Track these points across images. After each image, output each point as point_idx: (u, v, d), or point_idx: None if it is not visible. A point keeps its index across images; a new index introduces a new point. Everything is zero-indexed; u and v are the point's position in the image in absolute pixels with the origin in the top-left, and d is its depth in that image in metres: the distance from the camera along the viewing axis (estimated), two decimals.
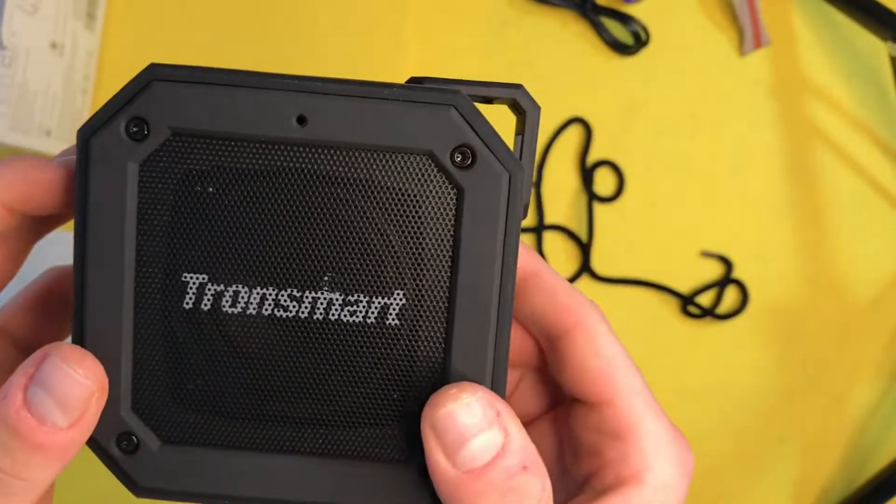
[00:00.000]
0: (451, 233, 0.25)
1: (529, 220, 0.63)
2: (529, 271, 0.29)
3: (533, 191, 0.63)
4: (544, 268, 0.29)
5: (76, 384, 0.24)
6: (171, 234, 0.25)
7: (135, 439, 0.26)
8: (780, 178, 0.64)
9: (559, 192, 0.63)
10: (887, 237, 0.64)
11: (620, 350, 0.28)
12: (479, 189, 0.25)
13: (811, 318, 0.64)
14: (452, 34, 0.63)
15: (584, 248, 0.63)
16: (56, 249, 0.42)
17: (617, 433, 0.28)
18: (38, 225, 0.28)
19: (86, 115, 0.59)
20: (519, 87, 0.26)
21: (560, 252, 0.63)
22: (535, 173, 0.63)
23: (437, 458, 0.24)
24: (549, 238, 0.63)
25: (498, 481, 0.24)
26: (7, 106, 0.50)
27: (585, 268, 0.63)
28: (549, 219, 0.63)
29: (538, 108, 0.26)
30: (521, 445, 0.25)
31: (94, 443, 0.26)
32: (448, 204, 0.25)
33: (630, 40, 0.63)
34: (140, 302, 0.25)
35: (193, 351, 0.25)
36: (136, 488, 0.26)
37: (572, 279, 0.63)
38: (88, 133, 0.24)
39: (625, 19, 0.63)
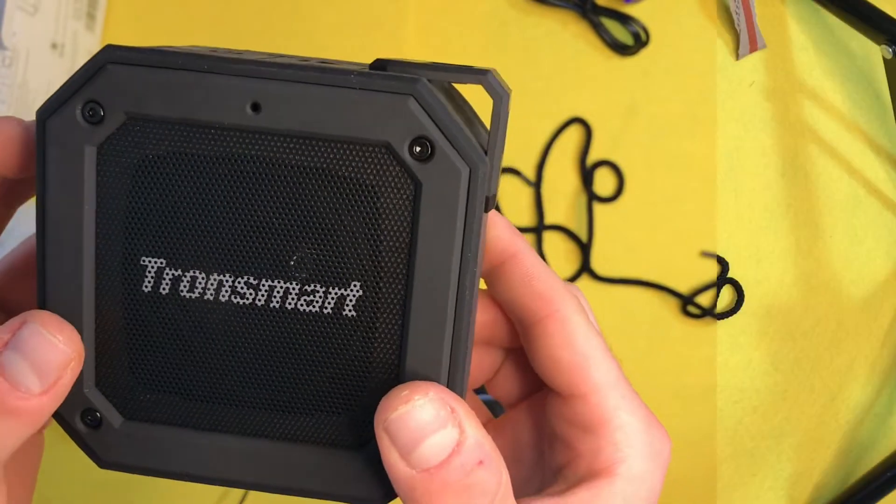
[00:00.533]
0: (409, 227, 0.25)
1: (529, 221, 0.63)
2: (509, 253, 0.28)
3: (533, 191, 0.63)
4: (524, 251, 0.28)
5: (55, 350, 0.24)
6: (130, 218, 0.25)
7: (98, 415, 0.26)
8: (775, 179, 0.65)
9: (559, 193, 0.64)
10: (880, 237, 0.65)
11: (596, 342, 0.28)
12: (436, 183, 0.24)
13: (805, 317, 0.64)
14: (452, 34, 0.63)
15: (584, 248, 0.63)
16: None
17: (589, 427, 0.28)
18: (14, 188, 0.27)
19: None
20: (486, 73, 0.25)
21: (560, 252, 0.63)
22: (535, 174, 0.63)
23: (391, 458, 0.24)
24: (549, 238, 0.64)
25: (453, 479, 0.24)
26: (7, 106, 0.49)
27: (585, 268, 0.63)
28: (549, 219, 0.63)
29: (506, 95, 0.25)
30: (477, 441, 0.24)
31: (59, 417, 0.26)
32: (406, 197, 0.24)
33: (630, 41, 0.63)
34: (101, 283, 0.25)
35: (153, 334, 0.26)
36: (99, 462, 0.27)
37: (572, 279, 0.63)
38: (45, 115, 0.24)
39: (625, 20, 0.63)
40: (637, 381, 0.66)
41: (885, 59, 0.61)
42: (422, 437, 0.24)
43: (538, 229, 0.63)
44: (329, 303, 0.25)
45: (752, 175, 0.65)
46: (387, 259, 0.25)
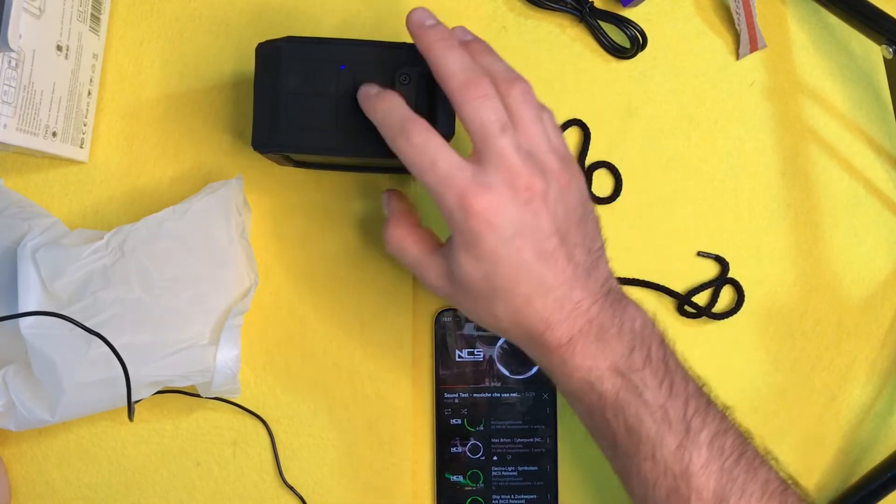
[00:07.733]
0: None
1: None
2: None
3: None
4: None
5: None
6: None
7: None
8: (775, 179, 0.65)
9: None
10: (881, 237, 0.65)
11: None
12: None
13: (805, 318, 0.64)
14: None
15: None
16: None
17: None
18: None
19: (92, 117, 0.60)
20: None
21: None
22: None
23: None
24: None
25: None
26: (13, 108, 0.51)
27: None
28: None
29: None
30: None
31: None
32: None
33: (628, 44, 0.64)
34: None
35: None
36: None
37: None
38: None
39: (623, 23, 0.63)
40: None
41: (885, 59, 0.61)
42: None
43: None
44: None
45: (752, 175, 0.65)
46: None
